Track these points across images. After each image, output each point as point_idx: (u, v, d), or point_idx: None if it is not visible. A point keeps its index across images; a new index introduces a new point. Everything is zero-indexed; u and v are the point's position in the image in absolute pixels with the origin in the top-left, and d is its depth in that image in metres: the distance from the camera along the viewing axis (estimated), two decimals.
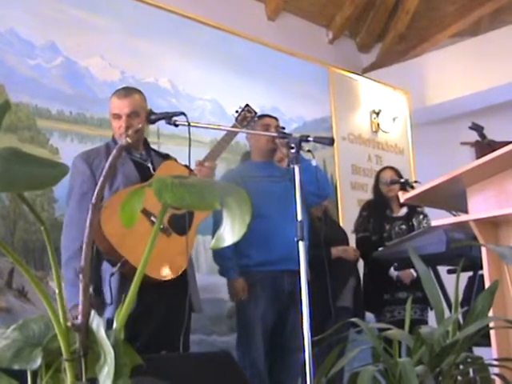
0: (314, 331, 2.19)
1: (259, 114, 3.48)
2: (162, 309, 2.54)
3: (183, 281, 2.59)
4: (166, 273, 2.50)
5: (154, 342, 2.52)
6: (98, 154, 2.68)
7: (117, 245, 2.41)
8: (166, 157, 2.84)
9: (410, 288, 3.78)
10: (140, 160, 2.71)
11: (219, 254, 3.07)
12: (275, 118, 3.35)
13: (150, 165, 2.72)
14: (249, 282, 3.09)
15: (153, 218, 2.48)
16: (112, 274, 2.46)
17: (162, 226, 2.47)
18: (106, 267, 2.53)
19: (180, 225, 2.54)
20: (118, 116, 2.66)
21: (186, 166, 2.69)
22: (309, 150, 3.20)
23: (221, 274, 3.21)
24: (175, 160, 2.83)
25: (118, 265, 2.42)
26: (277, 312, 3.13)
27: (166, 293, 2.53)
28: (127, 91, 2.73)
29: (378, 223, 4.07)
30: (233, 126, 2.90)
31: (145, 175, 2.64)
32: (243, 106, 2.96)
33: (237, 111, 2.93)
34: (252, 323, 3.06)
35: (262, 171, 3.23)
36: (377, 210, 4.14)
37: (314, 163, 3.32)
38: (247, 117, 2.94)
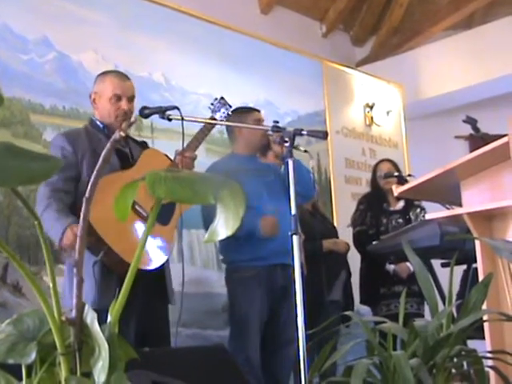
0: (306, 325, 2.18)
1: (249, 107, 3.46)
2: (141, 302, 2.44)
3: (161, 273, 2.55)
4: (149, 263, 2.45)
5: (137, 336, 2.47)
6: (79, 135, 2.59)
7: (102, 232, 2.34)
8: (143, 144, 2.80)
9: (407, 282, 3.77)
10: (119, 146, 2.62)
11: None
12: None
13: (128, 151, 2.66)
14: (242, 277, 3.07)
15: (137, 207, 2.44)
16: (95, 263, 2.37)
17: (145, 215, 2.43)
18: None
19: (162, 214, 2.50)
20: (118, 97, 2.58)
21: (166, 155, 2.67)
22: (305, 151, 3.19)
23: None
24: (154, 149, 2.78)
25: (102, 253, 2.34)
26: (270, 306, 3.11)
27: (144, 285, 2.45)
28: (124, 75, 2.67)
29: (375, 217, 4.06)
30: (210, 118, 2.83)
31: (124, 161, 2.58)
32: (218, 98, 2.89)
33: (212, 104, 2.88)
34: (247, 319, 3.01)
35: (248, 164, 3.19)
36: (374, 203, 4.13)
37: (311, 164, 3.29)
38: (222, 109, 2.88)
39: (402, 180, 4.02)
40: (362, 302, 4.04)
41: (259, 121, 3.22)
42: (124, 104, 2.58)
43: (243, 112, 3.25)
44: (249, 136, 3.22)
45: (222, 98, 2.91)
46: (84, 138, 2.57)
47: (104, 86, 2.61)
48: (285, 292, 3.05)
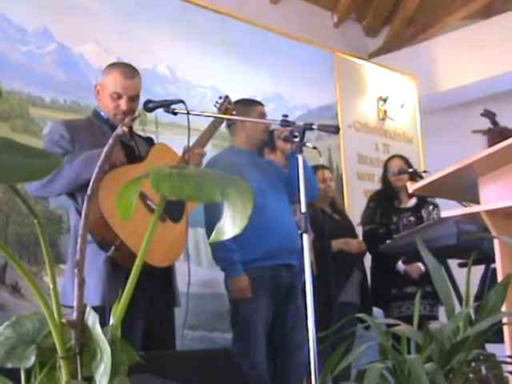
0: (317, 327, 2.13)
1: (252, 99, 3.40)
2: (147, 304, 2.42)
3: (168, 273, 2.53)
4: (163, 260, 2.42)
5: (144, 339, 2.44)
6: (80, 126, 2.57)
7: (114, 225, 2.31)
8: (149, 139, 2.78)
9: (419, 282, 3.72)
10: (125, 140, 2.60)
11: (221, 247, 2.89)
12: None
13: (133, 144, 2.63)
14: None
15: (149, 202, 2.42)
16: (107, 259, 2.33)
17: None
18: (90, 249, 2.30)
19: (173, 211, 2.47)
20: (118, 96, 2.55)
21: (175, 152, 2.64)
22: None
23: (223, 269, 3.05)
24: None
25: (113, 248, 2.31)
26: (276, 309, 3.03)
27: (151, 286, 2.35)
28: (133, 72, 2.63)
29: (386, 215, 4.02)
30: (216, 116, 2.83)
31: (130, 155, 2.56)
32: (223, 96, 2.89)
33: (217, 102, 2.87)
34: (253, 323, 2.94)
35: (248, 159, 3.13)
36: (384, 201, 4.10)
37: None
38: (229, 108, 2.87)
39: (414, 176, 3.97)
40: (373, 303, 3.98)
41: (263, 115, 3.16)
42: (123, 104, 2.54)
43: (246, 105, 3.19)
44: (250, 130, 3.16)
45: (227, 96, 2.89)
46: (85, 130, 2.55)
47: (107, 81, 2.59)
48: (291, 293, 2.99)
